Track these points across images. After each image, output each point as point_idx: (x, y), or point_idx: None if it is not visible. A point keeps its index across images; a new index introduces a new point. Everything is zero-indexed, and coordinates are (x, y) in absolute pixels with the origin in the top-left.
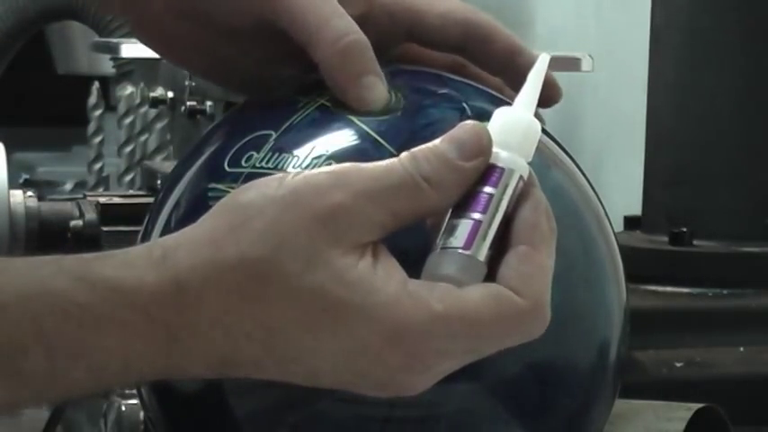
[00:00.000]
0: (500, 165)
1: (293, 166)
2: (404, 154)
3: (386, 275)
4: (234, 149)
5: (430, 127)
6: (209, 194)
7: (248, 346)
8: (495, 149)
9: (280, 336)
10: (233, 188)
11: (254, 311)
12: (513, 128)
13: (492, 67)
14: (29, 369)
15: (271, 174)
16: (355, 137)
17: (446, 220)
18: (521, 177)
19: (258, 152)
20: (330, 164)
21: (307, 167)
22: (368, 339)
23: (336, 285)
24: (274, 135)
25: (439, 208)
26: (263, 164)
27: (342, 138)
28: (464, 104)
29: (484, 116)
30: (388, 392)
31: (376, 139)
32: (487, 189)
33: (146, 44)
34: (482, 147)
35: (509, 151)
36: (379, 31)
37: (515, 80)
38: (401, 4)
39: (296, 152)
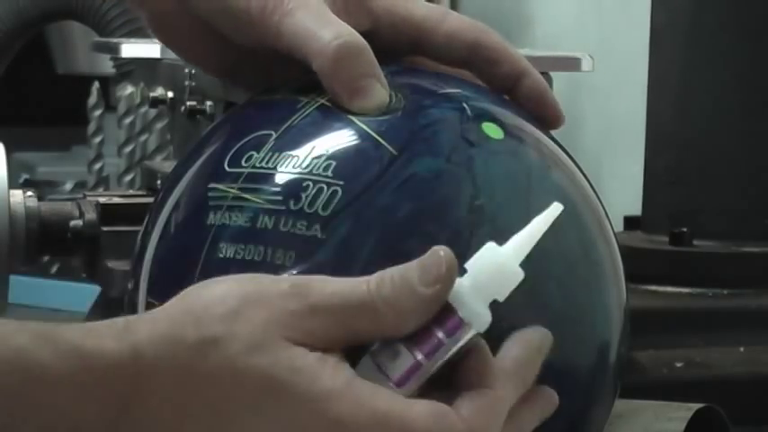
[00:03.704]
0: (460, 315)
1: (293, 167)
2: (376, 275)
3: (334, 369)
4: (234, 149)
5: (430, 127)
6: (210, 194)
7: (195, 428)
8: (466, 288)
9: (225, 418)
10: (233, 188)
11: (202, 390)
12: (491, 270)
13: (496, 87)
14: None
15: (271, 173)
16: (355, 137)
17: None
18: (477, 334)
19: (258, 152)
20: (330, 164)
21: (307, 167)
22: (309, 428)
23: (282, 369)
24: (274, 135)
25: (394, 332)
26: (263, 164)
27: (342, 138)
28: (464, 105)
29: (484, 116)
30: None
31: (376, 139)
32: (440, 334)
33: (159, 39)
34: (440, 275)
35: (478, 294)
36: (384, 47)
37: (519, 101)
38: (407, 21)
39: (296, 152)
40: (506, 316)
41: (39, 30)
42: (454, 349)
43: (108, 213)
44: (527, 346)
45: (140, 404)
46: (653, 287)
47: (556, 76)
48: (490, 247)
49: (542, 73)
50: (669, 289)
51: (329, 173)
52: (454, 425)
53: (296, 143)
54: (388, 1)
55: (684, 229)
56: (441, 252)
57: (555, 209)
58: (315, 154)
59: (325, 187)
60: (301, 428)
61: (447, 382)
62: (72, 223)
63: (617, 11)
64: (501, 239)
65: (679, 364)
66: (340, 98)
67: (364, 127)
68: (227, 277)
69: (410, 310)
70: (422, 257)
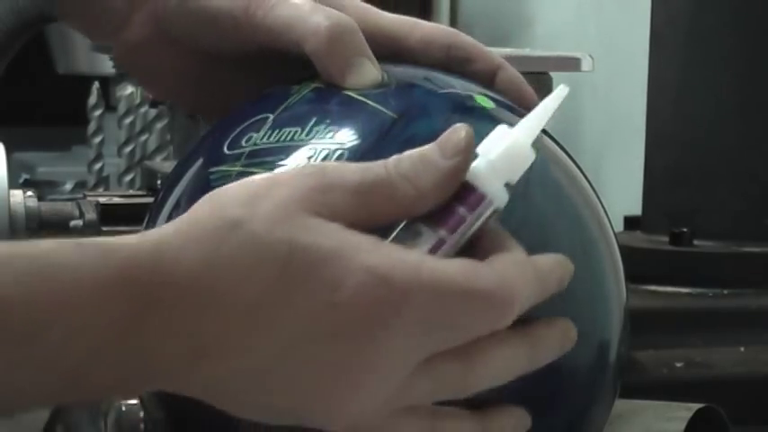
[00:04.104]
0: (482, 190)
1: (296, 138)
2: (393, 156)
3: (358, 234)
4: (231, 136)
5: (425, 97)
6: (212, 177)
7: (216, 319)
8: (482, 166)
9: (251, 296)
10: (236, 166)
11: (226, 270)
12: (504, 148)
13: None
14: (10, 324)
15: (273, 147)
16: (354, 107)
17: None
18: (496, 210)
19: (258, 132)
20: (332, 131)
21: (309, 136)
22: (343, 278)
23: (305, 235)
24: (272, 116)
25: (415, 207)
26: (265, 140)
27: (340, 109)
28: (454, 84)
29: (475, 91)
30: (356, 362)
31: (374, 107)
32: (462, 210)
33: (132, 74)
34: (460, 145)
35: (494, 172)
36: None
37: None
38: (382, 30)
39: (296, 127)
40: None
41: (39, 30)
42: (477, 224)
43: (108, 213)
44: (549, 257)
45: (163, 295)
46: (653, 287)
47: (556, 76)
48: (501, 128)
49: (542, 73)
50: (669, 289)
51: (332, 139)
52: (487, 275)
53: (295, 119)
54: (361, 11)
55: (684, 229)
56: (459, 127)
57: (562, 90)
58: (316, 125)
59: (330, 151)
60: (332, 285)
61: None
62: (72, 223)
63: (617, 11)
64: None
65: (679, 364)
66: (335, 76)
67: (361, 98)
68: (242, 180)
69: (430, 184)
70: (440, 136)
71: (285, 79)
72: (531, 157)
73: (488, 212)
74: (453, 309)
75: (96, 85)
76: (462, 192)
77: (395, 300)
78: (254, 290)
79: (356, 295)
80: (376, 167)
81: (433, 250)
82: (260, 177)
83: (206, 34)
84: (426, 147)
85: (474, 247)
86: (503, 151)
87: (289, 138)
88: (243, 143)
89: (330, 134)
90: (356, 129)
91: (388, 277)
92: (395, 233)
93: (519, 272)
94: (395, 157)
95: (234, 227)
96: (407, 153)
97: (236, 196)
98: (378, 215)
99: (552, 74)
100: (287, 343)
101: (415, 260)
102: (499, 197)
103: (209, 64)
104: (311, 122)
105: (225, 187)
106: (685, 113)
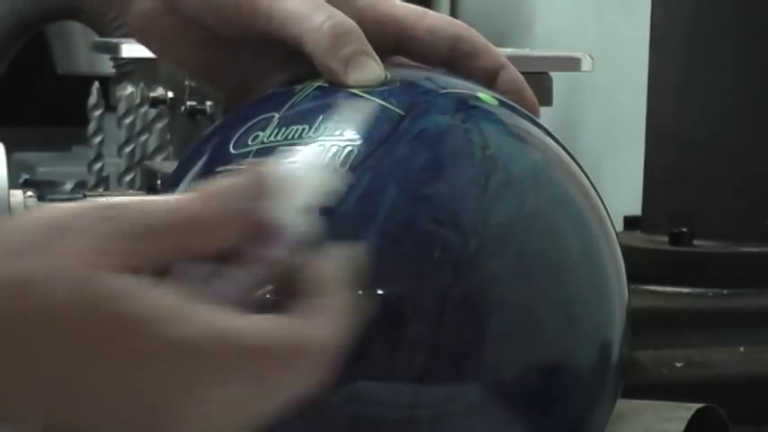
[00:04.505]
0: (277, 227)
1: (303, 136)
2: (190, 194)
3: (162, 292)
4: (237, 135)
5: (429, 93)
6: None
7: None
8: (277, 200)
9: (48, 364)
10: (243, 165)
11: (20, 339)
12: (299, 175)
13: (476, 81)
14: None
15: (281, 145)
16: (360, 104)
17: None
18: (298, 245)
19: (264, 131)
20: (340, 128)
21: (317, 133)
22: (147, 355)
23: (107, 299)
24: (278, 115)
25: (211, 251)
26: (272, 139)
27: (347, 106)
28: (456, 83)
29: (478, 90)
30: (158, 420)
31: (381, 104)
32: (263, 250)
33: (140, 42)
34: (258, 191)
35: (291, 202)
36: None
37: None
38: (390, 17)
39: (303, 124)
40: (509, 313)
41: (39, 30)
42: (279, 261)
43: None
44: (339, 255)
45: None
46: (653, 287)
47: (556, 76)
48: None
49: (542, 73)
50: (669, 289)
51: (341, 135)
52: (298, 328)
53: (302, 117)
54: None
55: (684, 229)
56: (257, 168)
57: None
58: (323, 122)
59: (340, 148)
60: (139, 357)
61: (274, 297)
62: None
63: (617, 11)
64: (514, 187)
65: (679, 364)
66: (337, 74)
67: (366, 96)
68: (35, 209)
69: (226, 226)
70: (240, 173)
71: (291, 67)
72: (327, 175)
73: (288, 246)
74: (262, 365)
75: (96, 85)
76: (261, 231)
77: (204, 368)
78: (52, 358)
79: (164, 363)
80: (174, 208)
81: (236, 292)
82: (46, 217)
83: (208, 13)
84: (223, 185)
85: (284, 283)
86: (298, 178)
87: (297, 135)
88: (249, 142)
89: (339, 131)
90: (365, 125)
91: (198, 347)
92: (194, 270)
93: (327, 316)
94: (189, 194)
95: (23, 285)
96: (203, 191)
97: (21, 242)
98: (176, 256)
99: (552, 74)
100: (96, 415)
101: (223, 326)
102: (298, 230)
103: (217, 40)
104: (319, 120)
105: (9, 224)
106: (685, 113)
